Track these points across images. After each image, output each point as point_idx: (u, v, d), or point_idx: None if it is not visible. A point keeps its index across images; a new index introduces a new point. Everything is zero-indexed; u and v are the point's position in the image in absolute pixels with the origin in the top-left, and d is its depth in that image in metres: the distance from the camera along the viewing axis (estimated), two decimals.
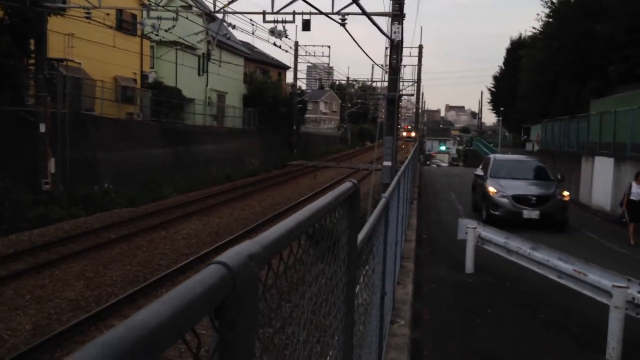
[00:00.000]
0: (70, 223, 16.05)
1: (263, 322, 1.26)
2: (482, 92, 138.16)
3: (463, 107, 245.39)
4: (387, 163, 17.73)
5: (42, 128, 18.16)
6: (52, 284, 10.69)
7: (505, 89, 60.16)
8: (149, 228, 15.95)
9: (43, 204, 16.86)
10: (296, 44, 43.46)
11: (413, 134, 63.76)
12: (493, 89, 70.48)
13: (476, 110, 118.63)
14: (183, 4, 27.41)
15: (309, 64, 57.94)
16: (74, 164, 19.52)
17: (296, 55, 44.29)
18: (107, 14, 21.69)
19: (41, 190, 17.86)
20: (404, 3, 17.06)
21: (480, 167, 18.01)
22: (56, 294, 10.15)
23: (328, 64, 54.65)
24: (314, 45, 49.36)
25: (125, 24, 27.67)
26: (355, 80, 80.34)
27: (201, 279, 0.89)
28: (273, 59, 55.61)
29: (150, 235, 15.31)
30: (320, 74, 77.54)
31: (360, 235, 2.90)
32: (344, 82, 78.32)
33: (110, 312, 9.20)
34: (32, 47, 18.92)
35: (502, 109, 54.25)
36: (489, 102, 73.88)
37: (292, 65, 46.58)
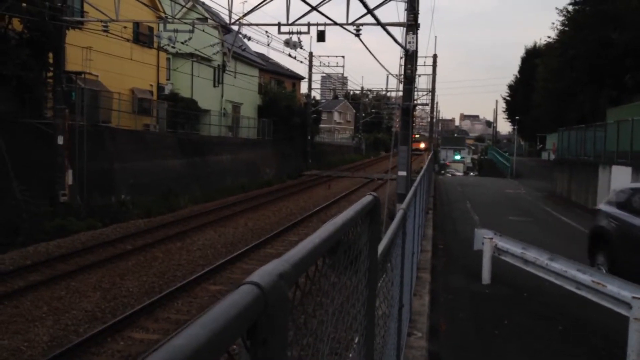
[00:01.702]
0: (87, 234, 16.18)
1: (291, 339, 1.26)
2: (497, 101, 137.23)
3: (478, 116, 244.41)
4: (402, 173, 17.67)
5: (60, 140, 18.37)
6: (69, 295, 10.77)
7: (521, 97, 59.94)
8: (165, 239, 16.03)
9: (60, 216, 17.03)
10: (310, 54, 43.67)
11: (422, 145, 61.01)
12: (508, 98, 70.28)
13: (491, 119, 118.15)
14: (199, 16, 27.67)
15: (324, 74, 58.19)
16: (91, 175, 19.72)
17: (310, 66, 44.49)
18: (125, 27, 21.97)
19: (58, 201, 18.04)
20: (418, 13, 17.07)
21: (613, 199, 10.30)
22: (73, 305, 10.22)
23: (342, 74, 54.86)
24: (328, 56, 49.55)
25: (142, 36, 28.00)
26: (370, 90, 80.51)
27: (235, 300, 0.90)
28: (287, 69, 55.89)
29: (166, 245, 15.38)
30: (335, 84, 77.74)
31: (380, 248, 2.89)
32: (358, 92, 78.43)
33: (126, 323, 9.24)
34: (50, 60, 19.19)
35: (517, 117, 53.96)
36: (504, 111, 73.66)
37: (306, 75, 46.78)
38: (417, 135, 62.11)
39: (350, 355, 2.34)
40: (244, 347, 0.98)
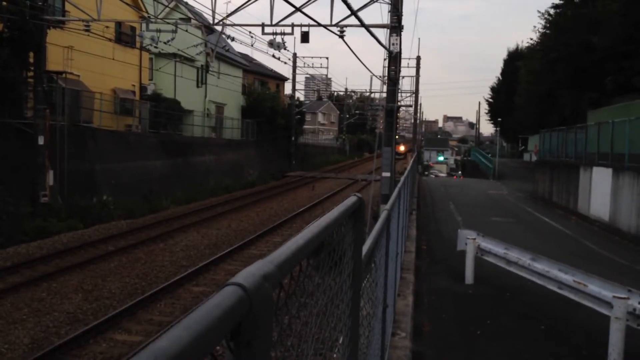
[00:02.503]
0: (68, 235, 16.01)
1: (275, 341, 1.26)
2: (479, 103, 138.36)
3: (461, 118, 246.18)
4: (386, 174, 17.73)
5: (41, 140, 18.15)
6: (50, 297, 10.64)
7: (503, 99, 60.48)
8: (148, 240, 15.91)
9: (41, 217, 16.82)
10: (294, 55, 43.63)
11: (402, 148, 57.23)
12: (491, 100, 70.89)
13: (474, 120, 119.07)
14: (182, 16, 27.53)
15: (307, 75, 58.24)
16: (72, 175, 19.50)
17: (294, 67, 44.45)
18: (107, 27, 21.76)
19: (39, 202, 17.82)
20: (402, 15, 17.14)
21: None
22: (54, 307, 10.10)
23: (326, 75, 54.95)
24: (312, 57, 49.44)
25: (125, 36, 27.76)
26: (354, 92, 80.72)
27: (219, 301, 0.89)
28: (271, 70, 55.79)
29: (149, 247, 15.26)
30: (319, 85, 77.79)
31: (364, 249, 2.90)
32: (342, 93, 78.58)
33: (109, 325, 9.15)
34: (31, 59, 18.94)
35: (499, 119, 54.44)
36: (486, 113, 74.25)
37: (290, 76, 46.73)
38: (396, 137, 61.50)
39: (335, 355, 2.35)
40: (227, 349, 0.97)
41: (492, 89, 70.07)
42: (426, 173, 58.61)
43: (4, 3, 17.95)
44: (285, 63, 31.46)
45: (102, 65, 25.31)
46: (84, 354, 8.15)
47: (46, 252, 13.97)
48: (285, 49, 21.19)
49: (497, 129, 60.73)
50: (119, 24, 25.49)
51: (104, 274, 12.38)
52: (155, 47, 23.76)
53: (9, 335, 8.74)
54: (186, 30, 23.63)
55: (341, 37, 18.17)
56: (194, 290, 11.44)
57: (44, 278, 11.68)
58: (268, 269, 1.10)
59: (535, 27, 41.79)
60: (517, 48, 63.37)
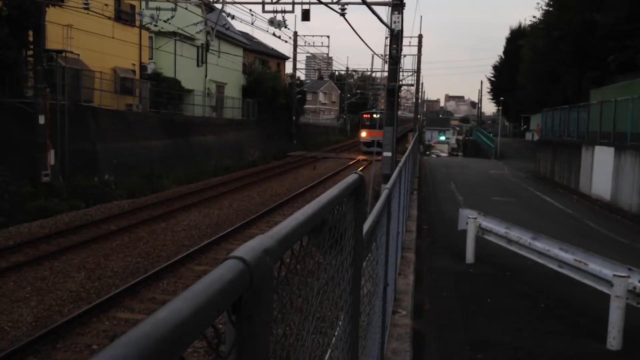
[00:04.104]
0: (70, 215, 16.05)
1: (275, 316, 1.26)
2: (481, 82, 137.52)
3: (463, 97, 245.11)
4: (387, 154, 17.72)
5: (42, 120, 18.12)
6: (53, 276, 10.70)
7: (505, 78, 60.17)
8: (149, 219, 15.96)
9: (43, 196, 16.85)
10: (295, 34, 43.31)
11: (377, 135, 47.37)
12: (493, 79, 70.50)
13: (476, 100, 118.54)
14: None
15: (308, 54, 57.77)
16: (73, 155, 19.50)
17: (295, 46, 44.14)
18: (106, 5, 21.59)
19: (41, 182, 17.84)
20: None
21: None
22: (57, 286, 10.17)
23: (327, 54, 54.53)
24: (313, 36, 49.21)
25: (124, 14, 27.53)
26: (355, 71, 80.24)
27: (220, 274, 0.89)
28: (272, 49, 55.41)
29: (151, 226, 15.31)
30: (320, 64, 77.36)
31: (365, 227, 2.90)
32: (343, 73, 78.14)
33: (111, 303, 9.22)
34: (30, 38, 18.82)
35: (502, 98, 54.19)
36: (488, 92, 73.94)
37: (291, 55, 46.43)
38: (376, 116, 42.42)
39: (336, 332, 2.36)
40: (229, 322, 0.97)
41: (495, 67, 69.64)
42: (427, 153, 58.55)
43: None
44: (286, 42, 31.48)
45: (101, 44, 25.14)
46: (87, 332, 8.22)
47: (48, 231, 14.02)
48: (286, 27, 21.05)
49: (499, 108, 60.45)
50: (118, 2, 25.29)
51: (107, 253, 12.44)
52: (155, 26, 23.61)
53: (13, 313, 8.81)
54: (186, 8, 23.44)
55: (342, 15, 18.03)
56: (196, 269, 11.50)
57: (46, 257, 11.74)
58: (269, 243, 1.10)
59: (538, 4, 41.48)
60: (519, 26, 62.88)
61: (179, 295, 0.77)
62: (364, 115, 46.25)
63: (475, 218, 9.98)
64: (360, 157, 38.96)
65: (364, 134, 44.38)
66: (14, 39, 18.22)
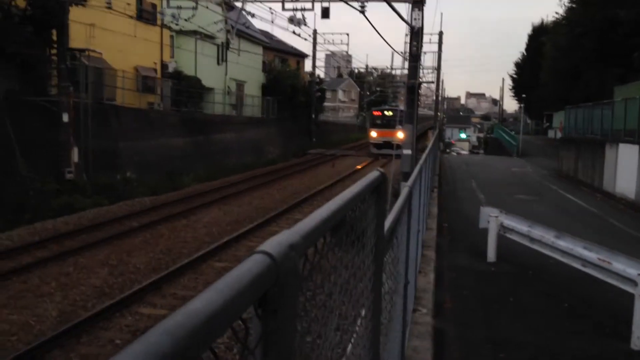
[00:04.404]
0: (93, 211, 16.26)
1: (299, 311, 1.27)
2: (503, 79, 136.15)
3: (484, 94, 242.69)
4: (407, 151, 17.65)
5: (65, 118, 18.37)
6: (77, 272, 10.86)
7: (527, 75, 59.47)
8: (171, 216, 16.10)
9: (66, 193, 17.09)
10: (315, 32, 43.28)
11: (400, 135, 35.48)
12: (515, 76, 69.73)
13: (497, 97, 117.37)
14: None
15: (328, 52, 57.74)
16: (96, 153, 19.75)
17: (315, 44, 44.14)
18: (128, 4, 21.81)
19: (64, 179, 18.10)
20: None
21: None
22: (81, 281, 10.32)
23: (347, 51, 54.51)
24: (332, 33, 48.96)
25: (146, 13, 27.79)
26: (374, 68, 79.88)
27: (248, 268, 0.90)
28: (292, 47, 55.50)
29: (172, 223, 15.46)
30: (339, 62, 77.29)
31: (386, 225, 2.90)
32: (362, 70, 77.93)
33: (134, 298, 9.33)
34: (54, 37, 19.09)
35: (524, 95, 53.57)
36: (510, 89, 73.14)
37: (310, 53, 46.45)
38: (388, 113, 39.19)
39: (357, 329, 2.36)
40: (255, 316, 0.98)
41: (517, 64, 68.89)
42: (448, 151, 58.16)
43: None
44: (305, 40, 31.36)
45: (124, 43, 25.41)
46: (110, 327, 8.33)
47: (72, 227, 14.22)
48: (305, 25, 21.05)
49: (521, 105, 59.81)
50: (140, 1, 25.52)
51: (129, 249, 12.59)
52: (176, 25, 23.78)
53: (38, 308, 8.96)
54: (207, 7, 23.58)
55: (362, 12, 17.98)
56: (216, 266, 11.58)
57: (70, 253, 11.91)
58: (294, 238, 1.12)
59: (561, 0, 40.93)
60: (542, 23, 62.13)
61: (209, 287, 0.78)
62: (374, 113, 40.95)
63: (497, 216, 9.89)
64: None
65: (373, 133, 38.92)
66: (38, 38, 18.50)
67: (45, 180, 16.68)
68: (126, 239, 13.48)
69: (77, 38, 21.49)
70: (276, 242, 1.05)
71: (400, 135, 30.10)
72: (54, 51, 19.33)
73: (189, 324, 0.65)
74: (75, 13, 20.14)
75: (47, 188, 16.55)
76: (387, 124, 37.29)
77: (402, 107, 40.30)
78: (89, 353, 7.50)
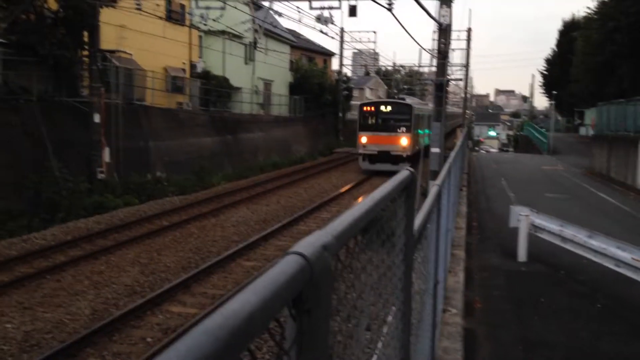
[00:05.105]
0: (124, 210, 16.52)
1: (332, 311, 1.27)
2: (533, 75, 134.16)
3: (513, 91, 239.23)
4: (435, 150, 17.50)
5: (97, 118, 18.69)
6: (109, 270, 11.05)
7: (558, 71, 58.47)
8: (200, 215, 16.27)
9: (98, 192, 17.40)
10: (342, 30, 43.24)
11: (405, 142, 26.34)
12: (545, 72, 68.58)
13: (527, 94, 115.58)
14: None
15: (355, 50, 57.67)
16: (127, 152, 20.05)
17: (342, 42, 44.09)
18: (157, 5, 22.08)
19: (96, 178, 18.42)
20: None
21: None
22: (113, 280, 10.50)
23: (374, 49, 54.28)
24: (359, 31, 48.78)
25: (175, 14, 28.10)
26: (402, 66, 79.47)
27: (282, 269, 0.91)
28: (319, 45, 55.53)
29: (201, 222, 15.62)
30: (366, 60, 76.97)
31: (415, 223, 2.89)
32: (390, 68, 77.57)
33: (165, 297, 9.46)
34: (85, 38, 19.44)
35: (554, 92, 52.66)
36: (540, 86, 71.93)
37: (337, 51, 46.41)
38: (386, 109, 27.19)
39: (387, 329, 2.36)
40: (289, 316, 0.99)
41: (547, 60, 67.73)
42: (477, 149, 57.53)
43: None
44: (332, 38, 31.30)
45: (153, 43, 25.74)
46: (141, 325, 8.46)
47: (104, 226, 14.48)
48: (332, 23, 21.02)
49: (552, 102, 58.81)
50: (169, 2, 25.83)
51: (159, 248, 12.76)
52: (205, 25, 23.99)
53: (71, 306, 9.14)
54: (235, 7, 23.74)
55: (389, 10, 17.88)
56: (245, 265, 11.66)
57: (102, 251, 12.13)
58: (327, 239, 1.12)
59: None
60: (573, 18, 60.98)
61: (246, 288, 0.79)
62: (364, 108, 27.60)
63: (528, 215, 9.76)
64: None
65: (364, 139, 26.66)
66: (70, 40, 18.85)
67: (77, 179, 17.00)
68: (156, 237, 13.68)
69: (108, 39, 21.85)
70: (309, 243, 1.05)
71: (404, 142, 25.81)
72: (85, 52, 19.68)
73: (228, 324, 0.66)
74: (106, 15, 20.48)
75: (79, 187, 16.87)
76: (386, 126, 26.61)
77: (415, 100, 33.90)
78: (121, 351, 7.63)
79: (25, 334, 8.03)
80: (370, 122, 27.09)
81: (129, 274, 10.87)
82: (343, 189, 21.75)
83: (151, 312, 8.92)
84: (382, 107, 27.27)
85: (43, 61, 17.98)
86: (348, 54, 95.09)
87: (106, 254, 12.07)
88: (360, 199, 1.90)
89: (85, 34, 19.34)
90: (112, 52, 22.04)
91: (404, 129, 26.41)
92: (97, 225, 14.63)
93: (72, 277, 10.55)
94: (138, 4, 18.65)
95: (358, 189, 22.13)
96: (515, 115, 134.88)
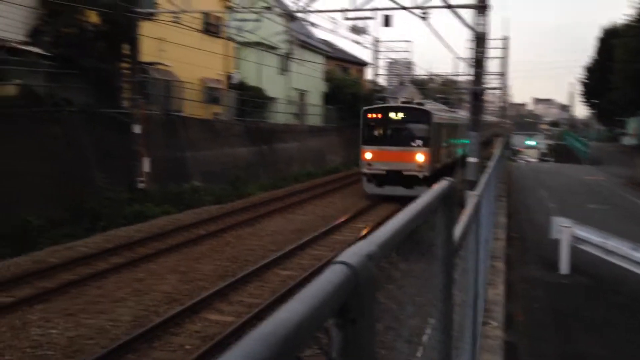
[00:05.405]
0: (163, 219, 16.79)
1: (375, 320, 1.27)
2: (573, 84, 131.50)
3: (552, 100, 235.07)
4: (473, 159, 17.30)
5: (137, 129, 19.10)
6: (149, 278, 11.23)
7: (598, 80, 57.18)
8: (236, 224, 16.42)
9: (138, 202, 17.74)
10: (376, 40, 43.25)
11: (421, 158, 21.39)
12: (585, 80, 67.17)
13: (566, 102, 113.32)
14: (266, 4, 27.97)
15: (389, 60, 57.51)
16: (165, 162, 20.41)
17: (376, 52, 44.07)
18: (195, 18, 22.49)
19: (136, 188, 18.79)
20: None
21: None
22: (153, 287, 10.66)
23: (408, 59, 54.09)
24: (394, 41, 48.68)
25: (211, 26, 28.56)
26: (437, 75, 78.88)
27: (328, 279, 0.91)
28: (353, 55, 55.61)
29: (237, 231, 15.75)
30: (401, 69, 76.76)
31: (455, 234, 2.86)
32: (425, 77, 77.11)
33: (203, 305, 9.56)
34: (125, 51, 19.92)
35: (594, 101, 51.52)
36: (580, 94, 70.43)
37: (372, 61, 46.40)
38: (397, 116, 22.20)
39: (427, 340, 2.34)
40: (334, 325, 0.99)
41: (587, 69, 66.35)
42: (515, 158, 56.62)
43: None
44: (366, 48, 31.32)
45: (190, 55, 26.19)
46: (180, 332, 8.57)
47: (144, 234, 14.72)
48: (367, 33, 21.04)
49: (592, 111, 57.54)
50: (206, 15, 26.26)
51: (197, 256, 12.92)
52: (241, 37, 24.32)
53: (113, 313, 9.31)
54: (270, 19, 24.01)
55: (424, 19, 17.82)
56: (281, 274, 11.71)
57: (142, 259, 12.34)
58: (371, 249, 1.12)
59: (632, 1, 39.11)
60: (613, 26, 59.65)
61: (294, 297, 0.80)
62: (369, 115, 22.67)
63: (569, 226, 9.55)
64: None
65: (368, 154, 21.98)
66: (111, 53, 19.36)
67: (118, 189, 17.37)
68: (194, 246, 13.85)
69: (148, 52, 22.33)
70: (353, 252, 1.06)
71: (420, 158, 20.79)
72: (125, 65, 20.16)
73: (279, 332, 0.67)
74: (145, 28, 20.96)
75: (120, 197, 17.23)
76: (397, 138, 21.73)
77: (437, 107, 28.08)
78: (160, 358, 7.74)
79: (68, 339, 8.21)
80: (376, 133, 22.16)
81: (168, 281, 11.03)
82: (378, 199, 21.64)
83: (190, 319, 9.02)
84: (392, 114, 21.99)
85: (85, 74, 18.49)
86: (382, 63, 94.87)
87: (146, 261, 12.27)
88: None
89: (126, 46, 19.83)
90: (151, 64, 22.51)
91: (420, 141, 21.17)
92: (137, 234, 14.89)
93: (113, 284, 10.75)
94: (176, 18, 19.03)
95: (393, 198, 22.00)
96: (554, 124, 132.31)
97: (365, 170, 21.93)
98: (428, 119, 21.60)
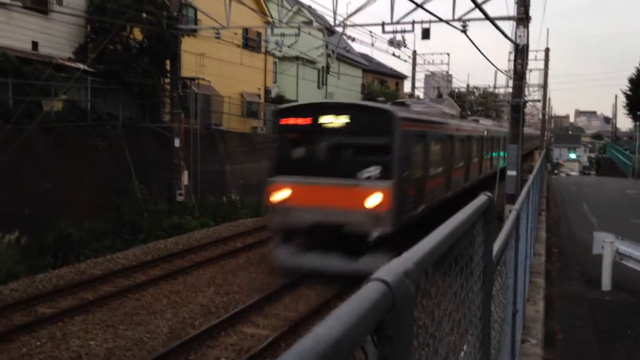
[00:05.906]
0: (201, 232, 16.98)
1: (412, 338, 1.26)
2: (616, 96, 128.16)
3: (595, 112, 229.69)
4: (512, 173, 16.99)
5: (177, 143, 19.46)
6: (186, 290, 11.35)
7: None
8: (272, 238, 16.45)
9: (177, 214, 18.03)
10: (414, 53, 43.08)
11: (377, 199, 10.84)
12: (629, 92, 65.44)
13: (609, 115, 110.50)
14: (304, 19, 28.26)
15: (427, 72, 57.19)
16: (204, 175, 20.71)
17: (414, 64, 43.87)
18: (235, 33, 22.87)
19: (175, 201, 19.11)
20: (529, 5, 16.36)
21: None
22: (190, 300, 10.77)
23: (447, 71, 53.64)
24: (432, 53, 48.37)
25: (251, 41, 29.01)
26: (476, 87, 77.97)
27: (365, 296, 0.92)
28: (390, 69, 55.57)
29: None
30: (439, 82, 76.18)
31: (494, 250, 2.82)
32: (463, 90, 76.35)
33: (238, 318, 9.61)
34: (167, 67, 20.39)
35: (639, 113, 50.08)
36: (624, 107, 68.57)
37: (409, 74, 46.24)
38: (335, 122, 11.83)
39: (465, 359, 2.30)
40: (371, 343, 0.99)
41: (631, 80, 64.66)
42: (556, 172, 55.43)
43: (144, 15, 19.43)
44: (405, 61, 31.17)
45: (230, 70, 26.62)
46: (216, 345, 8.62)
47: (182, 247, 14.92)
48: (405, 46, 20.98)
49: (637, 123, 55.90)
50: (246, 30, 26.69)
51: (233, 269, 13.01)
52: (280, 51, 24.57)
53: (150, 324, 9.44)
54: (308, 33, 24.20)
55: (464, 31, 17.69)
56: (315, 287, 11.67)
57: (180, 272, 12.49)
58: (408, 265, 1.12)
59: None
60: None
61: (331, 314, 0.81)
62: (282, 121, 12.97)
63: (612, 242, 9.27)
64: None
65: (280, 193, 11.91)
66: (154, 68, 19.84)
67: (158, 201, 17.69)
68: (231, 259, 13.96)
69: (189, 67, 22.80)
70: (390, 269, 1.06)
71: (374, 200, 11.11)
72: (167, 80, 20.62)
73: (317, 349, 0.67)
74: (187, 44, 21.42)
75: (159, 209, 17.54)
76: (335, 162, 11.96)
77: (425, 108, 17.69)
78: None
79: (107, 350, 8.35)
80: (297, 153, 12.89)
81: (204, 294, 11.13)
82: None
83: (225, 332, 9.07)
84: (327, 119, 12.18)
85: (128, 89, 18.99)
86: (420, 76, 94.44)
87: (184, 274, 12.41)
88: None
89: (168, 62, 20.29)
90: (192, 79, 22.96)
91: (376, 169, 11.32)
92: (175, 246, 15.09)
93: (151, 296, 10.90)
94: (217, 33, 19.39)
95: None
96: (597, 137, 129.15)
97: (272, 222, 12.56)
98: (390, 127, 11.60)
